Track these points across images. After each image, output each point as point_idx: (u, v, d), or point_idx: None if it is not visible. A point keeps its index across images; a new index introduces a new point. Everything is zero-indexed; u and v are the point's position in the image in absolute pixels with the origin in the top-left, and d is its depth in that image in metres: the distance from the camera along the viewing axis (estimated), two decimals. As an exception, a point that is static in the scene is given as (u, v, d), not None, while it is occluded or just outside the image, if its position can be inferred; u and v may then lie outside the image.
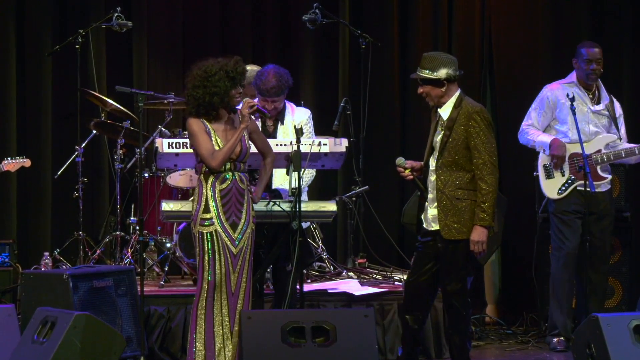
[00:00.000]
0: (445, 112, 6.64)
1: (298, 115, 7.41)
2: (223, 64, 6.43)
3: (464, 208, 6.54)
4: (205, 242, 6.42)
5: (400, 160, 6.77)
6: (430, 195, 6.66)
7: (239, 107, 6.51)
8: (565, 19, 9.60)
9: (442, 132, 6.62)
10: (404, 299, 6.88)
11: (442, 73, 6.61)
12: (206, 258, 6.42)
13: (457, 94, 6.66)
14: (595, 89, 8.11)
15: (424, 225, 6.70)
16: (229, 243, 6.43)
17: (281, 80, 7.20)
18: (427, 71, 6.63)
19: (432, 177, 6.64)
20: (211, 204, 6.43)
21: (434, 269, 6.68)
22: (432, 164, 6.66)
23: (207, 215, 6.43)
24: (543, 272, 8.37)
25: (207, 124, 6.46)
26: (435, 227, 6.62)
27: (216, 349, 6.41)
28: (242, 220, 6.48)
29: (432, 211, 6.64)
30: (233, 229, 6.45)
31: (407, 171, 6.75)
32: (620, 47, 9.49)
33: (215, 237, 6.41)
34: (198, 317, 6.42)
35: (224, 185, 6.45)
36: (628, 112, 8.72)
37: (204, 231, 6.42)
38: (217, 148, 6.42)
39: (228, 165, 6.47)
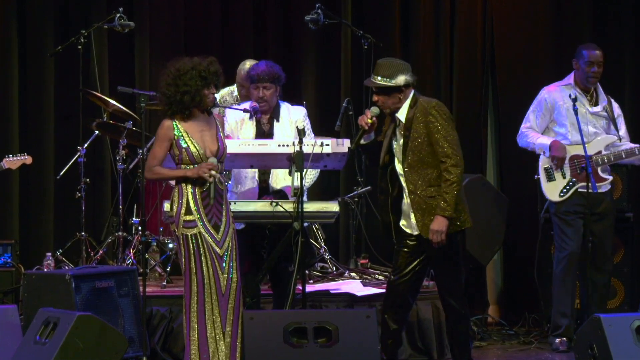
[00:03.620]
0: (402, 115, 6.60)
1: (294, 113, 7.43)
2: (196, 63, 6.39)
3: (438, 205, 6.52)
4: (191, 244, 6.38)
5: (376, 109, 6.65)
6: (407, 201, 6.62)
7: (208, 161, 6.40)
8: (567, 19, 9.60)
9: (402, 134, 6.58)
10: (385, 298, 6.82)
11: (401, 80, 6.56)
12: (192, 259, 6.38)
13: (411, 95, 6.61)
14: (593, 90, 8.09)
15: (408, 231, 6.65)
16: (213, 244, 6.40)
17: (272, 68, 7.27)
18: (385, 79, 6.56)
19: (403, 183, 6.61)
20: (192, 205, 6.39)
21: (418, 269, 6.66)
22: (399, 168, 6.62)
23: (190, 217, 6.39)
24: (545, 272, 8.37)
25: (179, 126, 6.42)
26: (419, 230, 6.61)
27: (210, 350, 6.40)
28: (224, 222, 6.45)
29: (411, 215, 6.62)
30: (216, 230, 6.42)
31: (370, 121, 6.66)
32: (621, 47, 9.49)
33: (199, 239, 6.38)
34: (191, 321, 6.39)
35: (205, 188, 6.43)
36: (630, 112, 8.72)
37: (188, 233, 6.39)
38: (193, 149, 6.38)
39: None
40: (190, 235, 6.39)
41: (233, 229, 6.51)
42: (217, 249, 6.40)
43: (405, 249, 6.66)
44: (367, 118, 6.63)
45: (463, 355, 6.70)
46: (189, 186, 6.41)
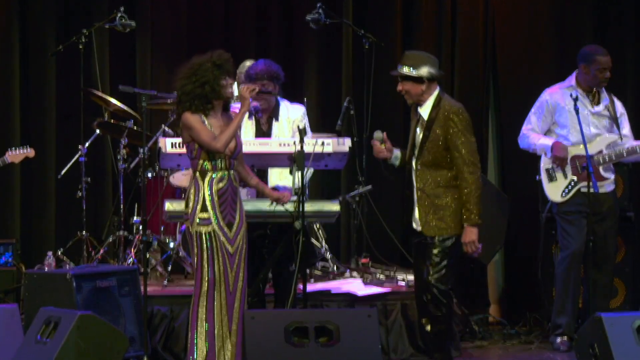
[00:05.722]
0: (425, 111, 6.66)
1: (293, 112, 7.43)
2: (207, 56, 6.46)
3: (444, 205, 6.54)
4: (204, 242, 6.39)
5: (378, 133, 6.72)
6: (415, 196, 6.66)
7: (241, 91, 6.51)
8: (568, 19, 9.60)
9: (422, 132, 6.62)
10: (417, 304, 6.83)
11: (424, 71, 6.62)
12: (205, 257, 6.39)
13: (436, 92, 6.66)
14: (595, 90, 8.09)
15: (414, 227, 6.69)
16: (225, 242, 6.40)
17: (270, 66, 7.30)
18: (409, 68, 6.62)
19: (414, 179, 6.64)
20: (209, 203, 6.39)
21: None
22: (414, 163, 6.66)
23: (205, 215, 6.39)
24: (546, 272, 8.37)
25: (204, 118, 6.44)
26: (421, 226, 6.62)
27: (216, 348, 6.40)
28: (237, 220, 6.46)
29: (416, 211, 6.64)
30: (229, 228, 6.43)
31: (382, 145, 6.71)
32: (623, 47, 9.48)
33: (213, 237, 6.38)
34: (199, 318, 6.40)
35: (222, 185, 6.42)
36: (632, 112, 8.71)
37: (202, 231, 6.40)
38: None
39: (223, 164, 6.44)
40: (205, 232, 6.39)
41: (245, 227, 6.51)
42: (229, 247, 6.41)
43: (416, 251, 6.71)
44: (378, 147, 6.69)
45: (441, 357, 6.67)
46: (206, 183, 6.41)
